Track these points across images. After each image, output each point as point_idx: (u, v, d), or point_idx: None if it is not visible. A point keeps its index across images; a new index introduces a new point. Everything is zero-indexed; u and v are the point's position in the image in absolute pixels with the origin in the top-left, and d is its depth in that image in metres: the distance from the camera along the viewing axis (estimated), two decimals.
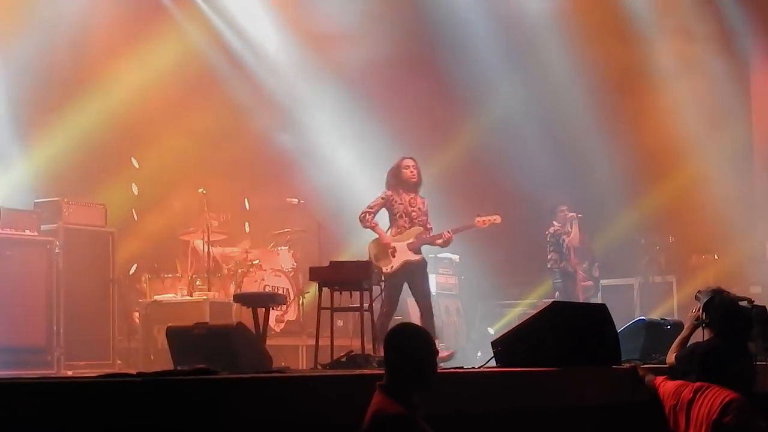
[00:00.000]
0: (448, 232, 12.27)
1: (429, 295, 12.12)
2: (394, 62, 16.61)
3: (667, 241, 17.12)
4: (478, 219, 12.54)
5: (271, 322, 12.29)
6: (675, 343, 7.89)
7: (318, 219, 14.83)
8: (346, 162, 16.56)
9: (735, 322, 7.38)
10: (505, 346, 8.12)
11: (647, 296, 16.50)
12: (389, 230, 12.14)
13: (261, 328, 10.28)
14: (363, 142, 16.24)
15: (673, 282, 16.58)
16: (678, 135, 17.26)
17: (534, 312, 9.44)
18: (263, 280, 13.90)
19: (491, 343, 8.32)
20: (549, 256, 14.97)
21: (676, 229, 17.35)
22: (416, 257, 12.02)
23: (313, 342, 10.50)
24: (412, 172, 12.14)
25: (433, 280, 16.08)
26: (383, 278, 11.54)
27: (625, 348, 8.39)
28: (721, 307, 7.48)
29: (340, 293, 10.62)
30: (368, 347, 10.18)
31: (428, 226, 12.24)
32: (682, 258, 17.06)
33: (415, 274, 12.01)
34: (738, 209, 17.05)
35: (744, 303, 7.66)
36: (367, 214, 12.01)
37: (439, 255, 16.66)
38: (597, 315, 8.39)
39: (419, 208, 12.17)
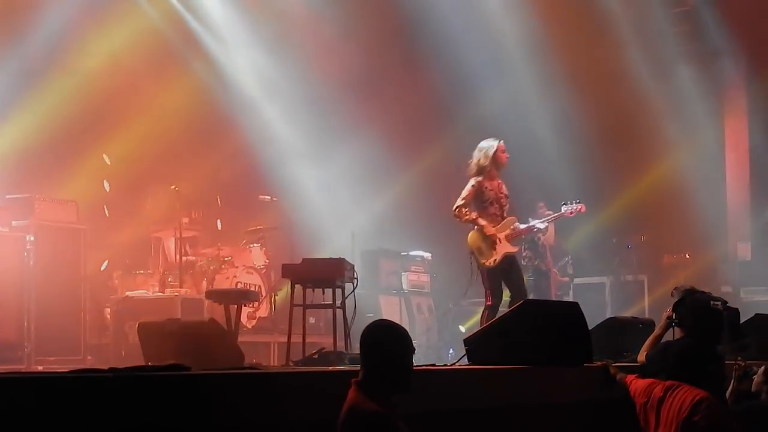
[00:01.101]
0: (539, 224, 12.05)
1: (525, 292, 11.59)
2: (372, 62, 16.66)
3: (639, 240, 17.19)
4: (565, 209, 12.01)
5: (243, 318, 12.27)
6: (647, 341, 7.92)
7: (291, 216, 14.80)
8: (322, 159, 16.55)
9: (705, 323, 7.42)
10: (477, 344, 8.13)
11: (619, 295, 16.57)
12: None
13: (233, 324, 10.30)
14: (336, 138, 16.25)
15: (645, 281, 16.66)
16: (651, 137, 17.35)
17: (506, 310, 9.46)
18: (235, 277, 13.88)
19: (463, 340, 8.34)
20: (524, 254, 14.99)
21: (648, 228, 17.44)
22: (514, 249, 11.50)
23: (284, 339, 10.50)
24: (506, 155, 11.51)
25: (405, 278, 16.15)
26: (486, 272, 11.22)
27: (596, 346, 8.40)
28: (691, 307, 7.52)
29: (313, 290, 10.59)
30: (340, 344, 10.15)
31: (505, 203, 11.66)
32: (654, 257, 17.15)
33: (513, 266, 11.48)
34: (710, 210, 17.16)
35: (718, 303, 7.67)
36: (462, 207, 11.27)
37: (411, 253, 16.71)
38: (569, 313, 8.41)
39: (504, 193, 11.56)
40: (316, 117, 16.61)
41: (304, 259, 10.59)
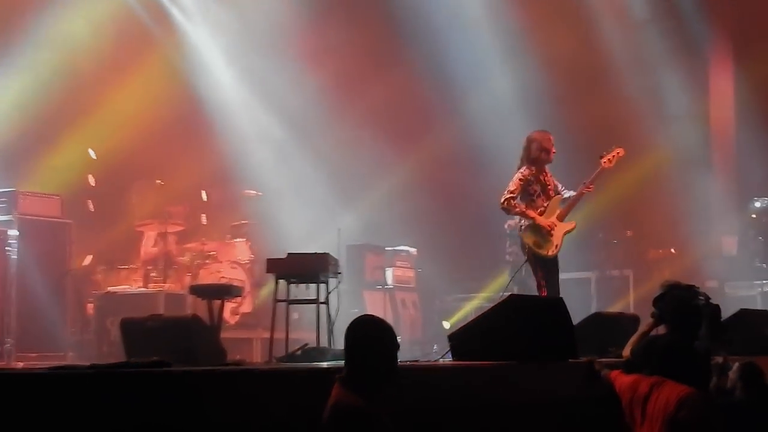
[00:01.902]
0: (587, 186, 11.18)
1: (558, 289, 11.13)
2: (360, 56, 16.66)
3: (625, 235, 17.17)
4: (603, 160, 11.29)
5: (226, 314, 12.27)
6: (633, 337, 7.90)
7: (276, 211, 14.78)
8: (308, 153, 16.53)
9: (684, 318, 7.40)
10: (461, 340, 8.11)
11: (604, 290, 16.52)
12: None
13: (216, 320, 10.28)
14: (320, 131, 16.24)
15: (630, 276, 16.61)
16: (636, 131, 17.32)
17: (491, 305, 9.43)
18: (219, 272, 13.88)
19: (447, 336, 8.32)
20: (508, 249, 14.95)
21: (633, 223, 17.43)
22: (571, 225, 11.15)
23: (268, 335, 10.50)
24: (554, 145, 11.24)
25: (390, 273, 16.14)
26: (548, 260, 10.96)
27: (581, 342, 8.38)
28: (670, 303, 7.51)
29: (297, 285, 10.57)
30: (324, 340, 10.14)
31: (560, 189, 11.36)
32: (640, 252, 17.11)
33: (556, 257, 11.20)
34: (695, 204, 17.13)
35: (701, 299, 7.66)
36: (511, 200, 10.95)
37: (396, 248, 16.69)
38: (554, 309, 8.39)
39: (553, 184, 11.26)
40: (302, 112, 16.57)
41: (288, 253, 10.55)
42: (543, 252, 11.00)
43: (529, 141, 11.23)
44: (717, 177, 18.16)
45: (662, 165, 17.41)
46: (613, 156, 11.31)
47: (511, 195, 10.98)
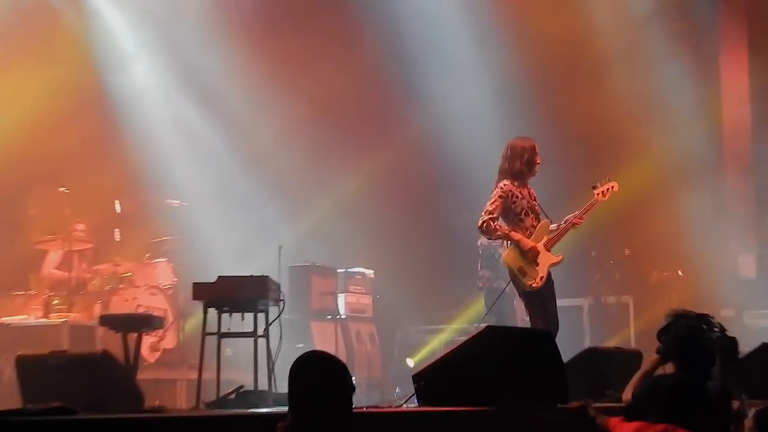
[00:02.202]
0: (577, 218, 11.30)
1: (557, 321, 11.12)
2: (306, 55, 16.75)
3: (623, 254, 17.24)
4: (597, 192, 11.53)
5: (145, 350, 12.28)
6: (634, 378, 7.92)
7: (204, 225, 14.77)
8: (240, 155, 16.53)
9: (693, 355, 7.41)
10: (429, 381, 8.09)
11: (599, 320, 16.59)
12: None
13: (132, 357, 10.25)
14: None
15: (630, 303, 16.69)
16: (634, 129, 17.41)
17: (464, 339, 9.42)
18: (136, 299, 13.85)
19: (412, 377, 8.29)
20: (480, 273, 14.93)
21: (633, 240, 17.49)
22: (557, 258, 11.18)
23: (195, 375, 10.46)
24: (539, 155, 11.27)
25: (342, 300, 16.14)
26: (533, 294, 10.97)
27: (572, 383, 8.39)
28: (676, 336, 7.51)
29: (230, 315, 10.52)
30: (263, 382, 10.11)
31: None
32: (641, 274, 17.21)
33: (550, 286, 11.19)
34: (706, 218, 17.22)
35: (716, 331, 7.67)
36: (491, 221, 10.90)
37: (350, 269, 16.69)
38: (540, 343, 8.40)
39: (535, 199, 11.29)
40: (236, 105, 16.57)
41: (219, 276, 10.49)
42: (526, 281, 11.00)
43: (510, 150, 11.24)
44: (730, 185, 18.26)
45: (666, 171, 17.49)
46: (608, 189, 11.55)
47: (491, 216, 10.95)
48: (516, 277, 11.01)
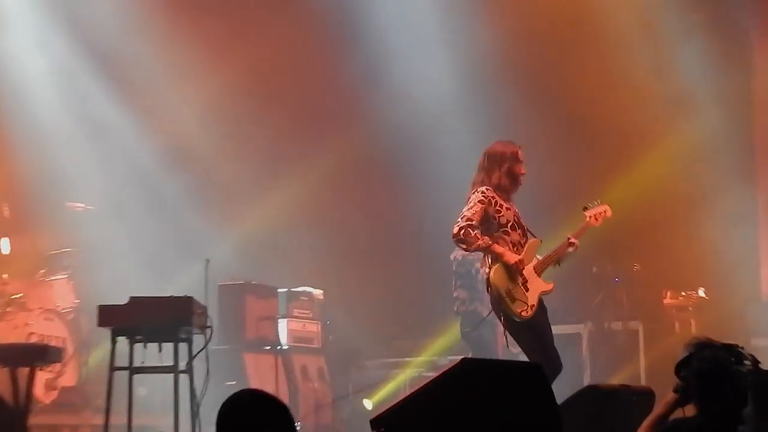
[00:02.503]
0: (570, 241, 11.40)
1: (557, 355, 11.24)
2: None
3: (631, 269, 17.27)
4: (588, 215, 11.69)
5: (39, 389, 12.22)
6: (646, 422, 7.91)
7: (114, 234, 14.74)
8: (156, 147, 16.53)
9: (719, 393, 7.40)
10: (390, 427, 8.06)
11: (601, 351, 16.62)
12: None
13: (22, 398, 10.19)
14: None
15: (640, 330, 16.72)
16: (646, 122, 17.47)
17: (434, 375, 9.41)
18: (27, 325, 13.78)
19: (370, 421, 8.27)
20: (455, 294, 14.89)
21: (643, 254, 17.53)
22: (549, 286, 11.28)
23: (100, 420, 10.38)
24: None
25: (284, 327, 16.13)
26: (522, 326, 11.06)
27: (569, 426, 8.38)
28: (698, 371, 7.50)
29: (145, 346, 10.47)
30: (185, 428, 10.08)
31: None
32: (653, 296, 17.23)
33: (543, 310, 11.29)
34: (732, 229, 17.27)
35: (747, 364, 7.67)
36: (470, 229, 10.86)
37: (294, 289, 16.68)
38: (528, 379, 8.38)
39: (520, 218, 11.38)
40: (152, 85, 16.58)
41: (131, 297, 10.45)
42: (515, 308, 11.03)
43: (487, 159, 11.33)
44: (761, 190, 18.33)
45: (686, 171, 17.55)
46: (600, 214, 11.73)
47: (469, 223, 10.91)
48: (502, 303, 11.02)
